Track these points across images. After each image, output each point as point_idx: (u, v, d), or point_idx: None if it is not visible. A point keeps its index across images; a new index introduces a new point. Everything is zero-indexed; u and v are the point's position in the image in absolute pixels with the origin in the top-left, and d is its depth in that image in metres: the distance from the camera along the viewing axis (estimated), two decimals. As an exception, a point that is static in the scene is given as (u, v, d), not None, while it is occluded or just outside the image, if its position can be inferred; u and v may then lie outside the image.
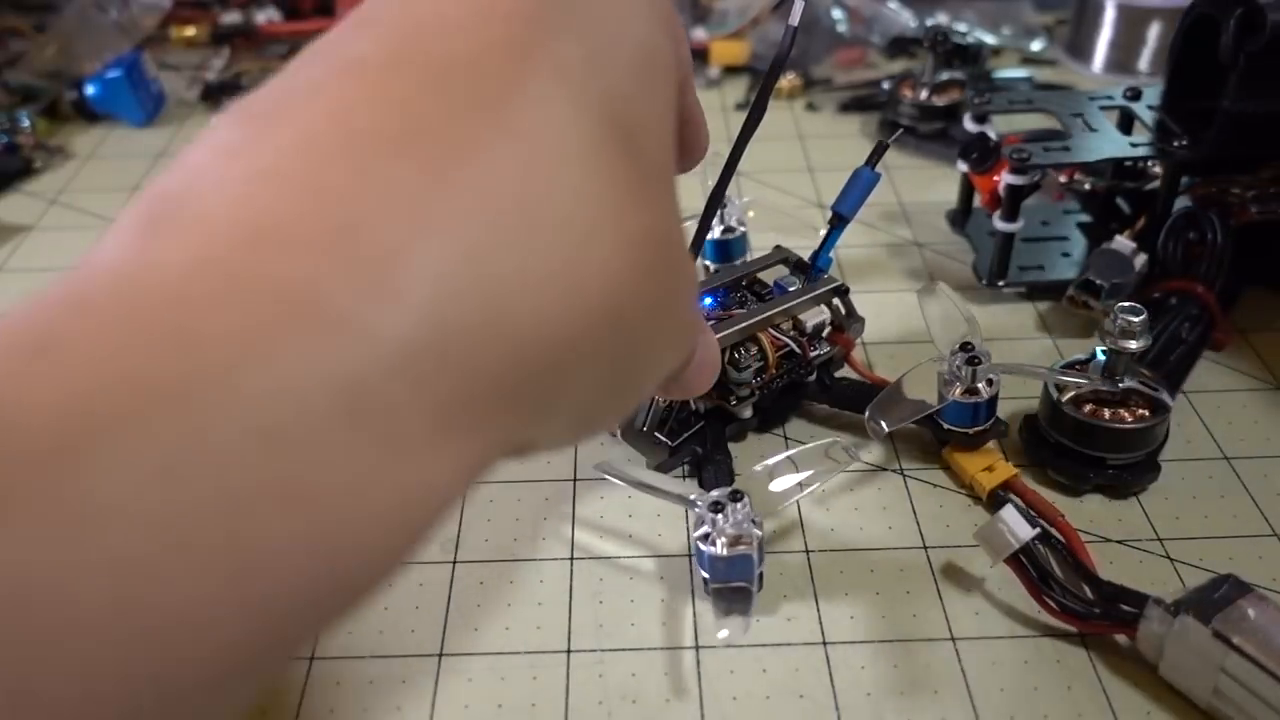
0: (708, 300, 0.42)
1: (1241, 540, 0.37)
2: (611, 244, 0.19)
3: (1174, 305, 0.45)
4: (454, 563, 0.37)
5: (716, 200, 0.35)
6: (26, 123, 0.67)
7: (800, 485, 0.36)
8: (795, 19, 0.34)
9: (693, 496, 0.35)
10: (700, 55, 0.74)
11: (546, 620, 0.35)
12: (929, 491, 0.40)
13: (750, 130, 0.35)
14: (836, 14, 0.73)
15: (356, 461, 0.15)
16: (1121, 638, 0.33)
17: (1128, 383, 0.39)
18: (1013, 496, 0.38)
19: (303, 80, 0.18)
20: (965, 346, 0.39)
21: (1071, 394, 0.39)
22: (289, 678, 0.34)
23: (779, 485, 0.35)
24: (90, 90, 0.70)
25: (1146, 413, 0.39)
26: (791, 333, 0.41)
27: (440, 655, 0.34)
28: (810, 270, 0.43)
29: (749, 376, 0.40)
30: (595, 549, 0.38)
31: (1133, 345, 0.38)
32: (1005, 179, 0.47)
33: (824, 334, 0.42)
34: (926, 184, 0.60)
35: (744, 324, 0.39)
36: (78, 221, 0.60)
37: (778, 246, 0.45)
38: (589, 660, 0.34)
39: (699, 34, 0.75)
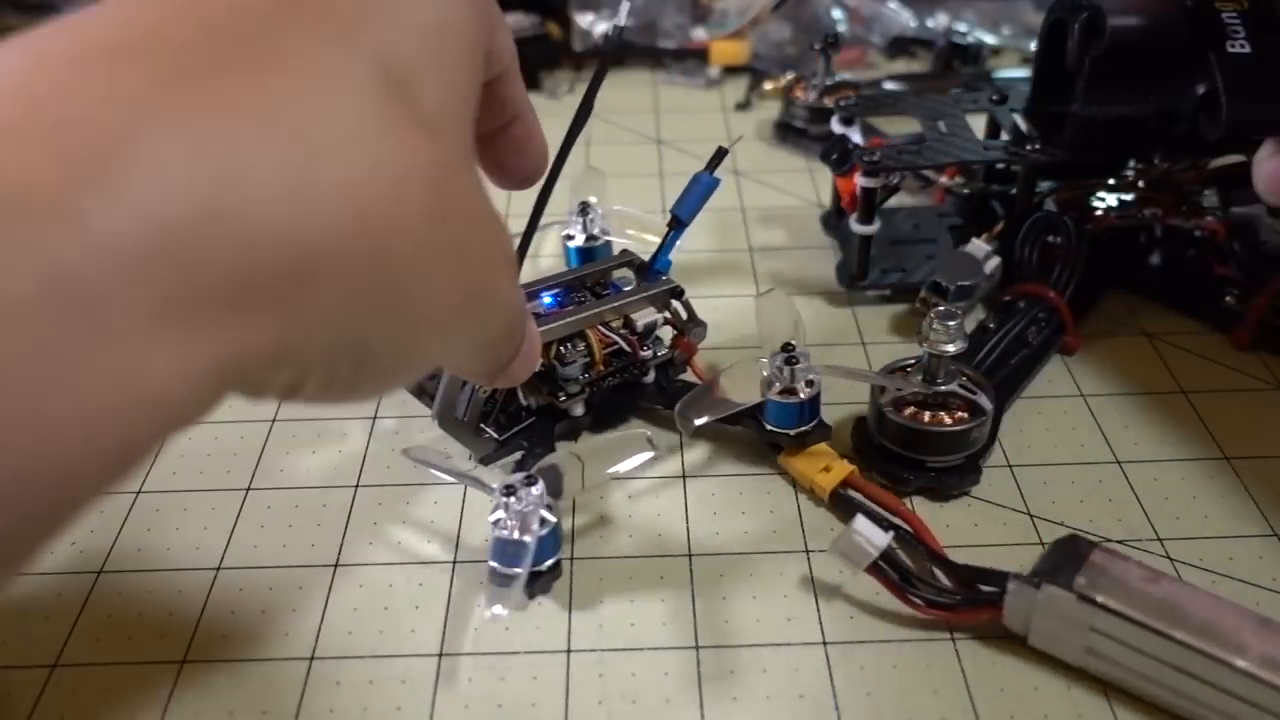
0: (548, 298, 0.42)
1: (1242, 540, 0.37)
2: (363, 167, 0.19)
3: (1022, 308, 0.45)
4: (454, 563, 0.37)
5: (544, 199, 0.37)
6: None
7: (605, 473, 0.37)
8: (622, 18, 0.36)
9: (494, 485, 0.35)
10: (700, 55, 0.74)
11: (546, 620, 0.35)
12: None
13: (576, 130, 0.37)
14: (836, 14, 0.73)
15: (60, 347, 0.15)
16: (989, 617, 0.33)
17: (948, 386, 0.39)
18: (854, 494, 0.38)
19: (65, 17, 0.19)
20: (786, 347, 0.39)
21: (892, 397, 0.39)
22: (289, 677, 0.34)
23: (586, 471, 0.36)
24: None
25: (966, 415, 0.39)
26: (622, 331, 0.41)
27: (440, 655, 0.34)
28: (647, 272, 0.43)
29: (575, 372, 0.40)
30: (595, 549, 0.38)
31: (949, 348, 0.38)
32: (858, 181, 0.47)
33: (657, 334, 0.43)
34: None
35: (568, 319, 0.40)
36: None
37: (624, 250, 0.46)
38: (589, 660, 0.34)
39: (699, 34, 0.75)
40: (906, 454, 0.39)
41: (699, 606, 0.36)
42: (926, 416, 0.39)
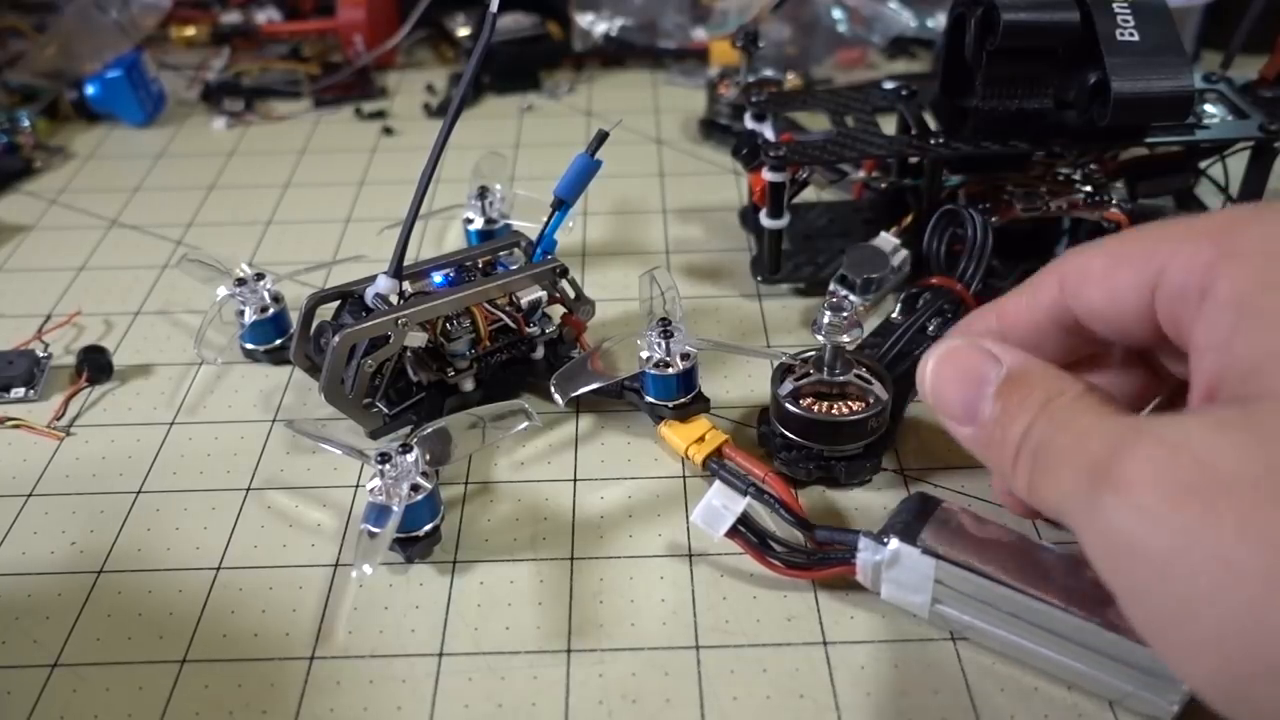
0: (439, 278, 0.43)
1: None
2: None
3: (928, 300, 0.46)
4: (454, 562, 0.37)
5: (419, 199, 0.39)
6: (26, 123, 0.67)
7: (481, 440, 0.38)
8: (494, 6, 0.37)
9: (370, 451, 0.36)
10: (700, 55, 0.74)
11: (547, 620, 0.35)
12: (930, 493, 0.40)
13: (451, 123, 0.38)
14: (836, 14, 0.73)
15: None
16: (844, 573, 0.35)
17: (844, 376, 0.39)
18: (725, 463, 0.40)
19: None
20: (663, 321, 0.40)
21: (790, 387, 0.40)
22: (289, 677, 0.34)
23: (460, 439, 0.37)
24: (90, 90, 0.70)
25: (862, 405, 0.39)
26: (507, 308, 0.42)
27: (440, 655, 0.34)
28: (531, 252, 0.44)
29: (462, 348, 0.42)
30: (595, 549, 0.38)
31: (845, 339, 0.38)
32: (765, 176, 0.47)
33: (545, 312, 0.44)
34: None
35: (449, 297, 0.41)
36: (78, 221, 0.60)
37: (512, 230, 0.48)
38: (589, 660, 0.34)
39: (699, 34, 0.75)
40: (806, 443, 0.39)
41: (699, 606, 0.36)
42: (823, 407, 0.39)
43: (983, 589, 0.32)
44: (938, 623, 0.34)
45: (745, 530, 0.35)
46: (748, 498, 0.35)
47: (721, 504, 0.35)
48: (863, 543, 0.34)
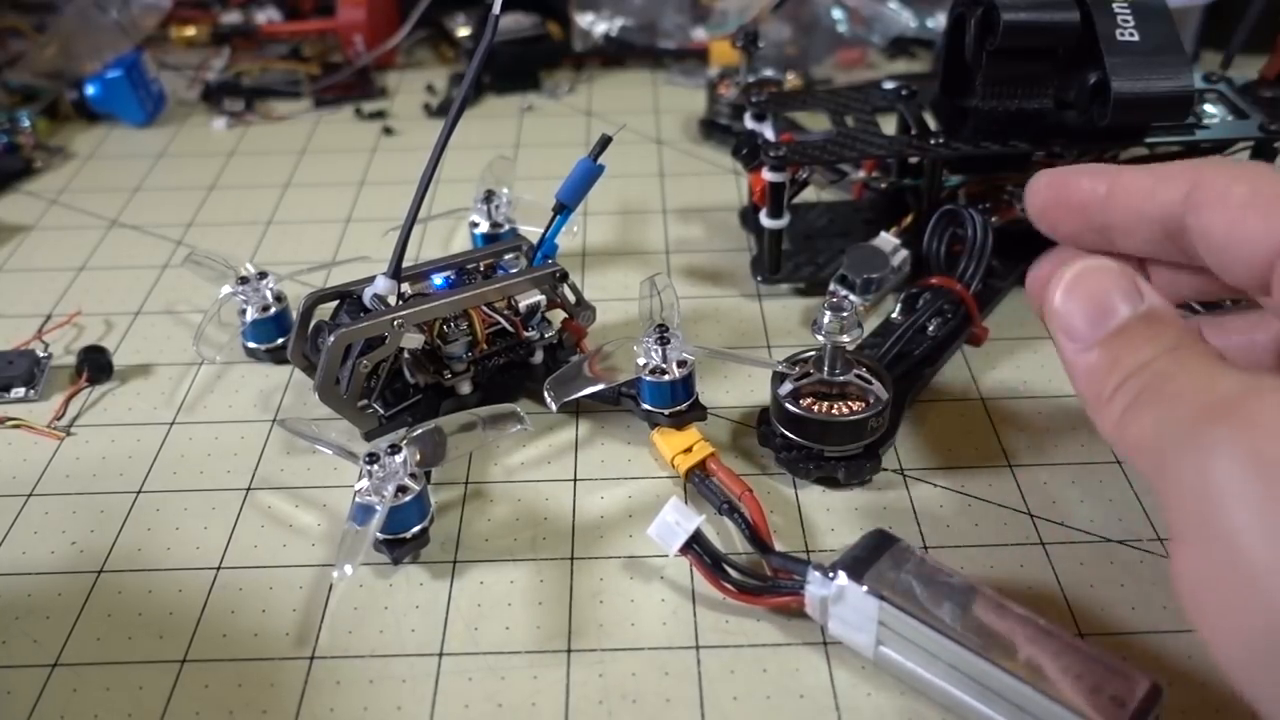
0: (439, 280, 0.43)
1: (1242, 540, 0.37)
2: None
3: (927, 300, 0.46)
4: (454, 562, 0.37)
5: (419, 200, 0.38)
6: (26, 123, 0.67)
7: (474, 441, 0.38)
8: (497, 7, 0.36)
9: (362, 453, 0.36)
10: (700, 55, 0.74)
11: (546, 620, 0.35)
12: (930, 493, 0.40)
13: (453, 125, 0.38)
14: (836, 14, 0.73)
15: None
16: (794, 604, 0.34)
17: (844, 376, 0.39)
18: (706, 478, 0.39)
19: None
20: (660, 328, 0.40)
21: (790, 387, 0.40)
22: (289, 677, 0.34)
23: (453, 441, 0.37)
24: (90, 90, 0.70)
25: (863, 405, 0.39)
26: (505, 312, 0.42)
27: (440, 655, 0.34)
28: (532, 256, 0.44)
29: (459, 350, 0.42)
30: (595, 549, 0.38)
31: (845, 339, 0.38)
32: (765, 176, 0.47)
33: (546, 316, 0.44)
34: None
35: (446, 299, 0.40)
36: (78, 221, 0.60)
37: (516, 233, 0.48)
38: (589, 660, 0.34)
39: (699, 34, 0.75)
40: (804, 443, 0.39)
41: (699, 607, 0.36)
42: (823, 406, 0.39)
43: (925, 637, 0.31)
44: (883, 665, 0.33)
45: (700, 549, 0.35)
46: (702, 516, 0.35)
47: (675, 520, 0.35)
48: (811, 575, 0.33)
